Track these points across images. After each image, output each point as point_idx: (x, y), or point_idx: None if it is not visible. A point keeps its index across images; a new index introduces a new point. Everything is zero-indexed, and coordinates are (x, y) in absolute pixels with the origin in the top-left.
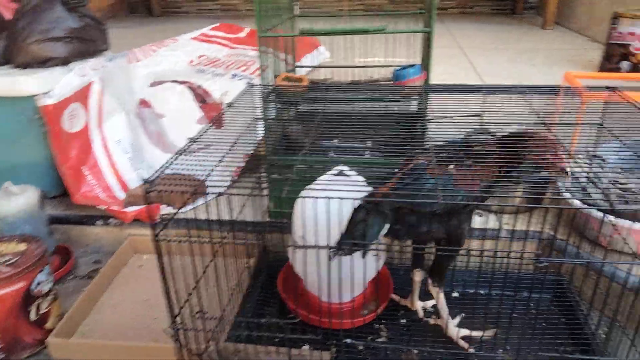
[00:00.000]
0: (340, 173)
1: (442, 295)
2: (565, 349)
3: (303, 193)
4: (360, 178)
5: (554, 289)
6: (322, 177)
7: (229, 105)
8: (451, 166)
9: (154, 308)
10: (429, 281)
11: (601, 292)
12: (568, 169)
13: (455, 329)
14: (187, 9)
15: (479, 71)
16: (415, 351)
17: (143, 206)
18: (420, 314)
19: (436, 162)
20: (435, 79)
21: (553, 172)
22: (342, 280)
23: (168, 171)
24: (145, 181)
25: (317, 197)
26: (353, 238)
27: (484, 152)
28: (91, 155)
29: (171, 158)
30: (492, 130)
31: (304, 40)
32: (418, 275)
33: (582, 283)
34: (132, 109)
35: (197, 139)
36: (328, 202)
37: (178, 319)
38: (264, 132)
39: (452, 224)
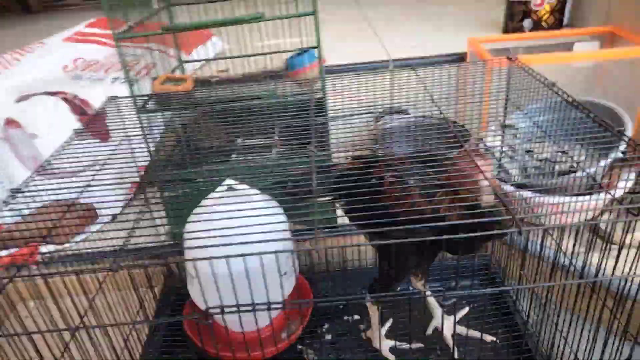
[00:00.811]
0: (230, 188)
1: (377, 313)
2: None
3: (188, 225)
4: (254, 191)
5: (481, 272)
6: (208, 199)
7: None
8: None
9: None
10: (367, 296)
11: (526, 271)
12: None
13: (384, 343)
14: (71, 0)
15: (386, 44)
16: None
17: (18, 248)
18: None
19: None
20: (343, 58)
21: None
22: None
23: (45, 199)
24: None
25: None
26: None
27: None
28: None
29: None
30: (404, 108)
31: (193, 32)
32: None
33: (506, 263)
34: None
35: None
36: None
37: None
38: (150, 145)
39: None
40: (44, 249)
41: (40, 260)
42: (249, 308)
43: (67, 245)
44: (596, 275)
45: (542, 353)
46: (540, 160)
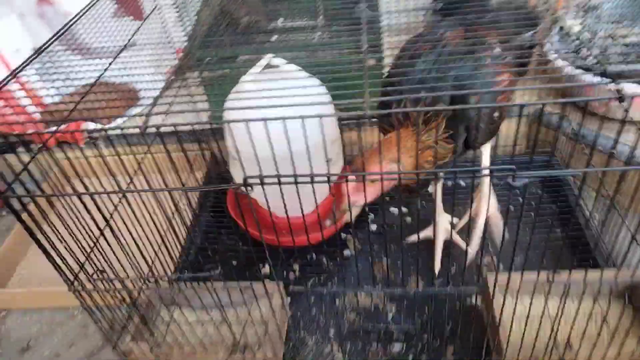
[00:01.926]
0: (269, 65)
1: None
2: (557, 238)
3: (228, 102)
4: (294, 67)
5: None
6: (247, 75)
7: None
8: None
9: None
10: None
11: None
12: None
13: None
14: None
15: None
16: (387, 261)
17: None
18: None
19: None
20: None
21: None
22: (298, 191)
23: (84, 81)
24: None
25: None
26: None
27: None
28: None
29: None
30: None
31: None
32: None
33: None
34: (28, 8)
35: None
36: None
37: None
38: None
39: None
40: (85, 127)
41: (87, 139)
42: (290, 180)
43: (110, 125)
44: None
45: (604, 255)
46: (627, 45)
